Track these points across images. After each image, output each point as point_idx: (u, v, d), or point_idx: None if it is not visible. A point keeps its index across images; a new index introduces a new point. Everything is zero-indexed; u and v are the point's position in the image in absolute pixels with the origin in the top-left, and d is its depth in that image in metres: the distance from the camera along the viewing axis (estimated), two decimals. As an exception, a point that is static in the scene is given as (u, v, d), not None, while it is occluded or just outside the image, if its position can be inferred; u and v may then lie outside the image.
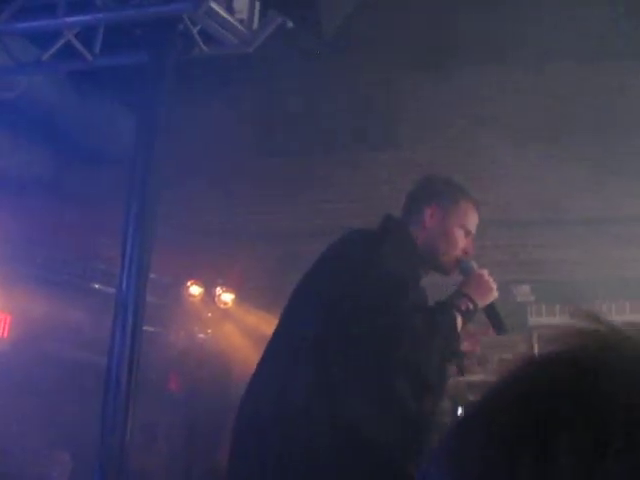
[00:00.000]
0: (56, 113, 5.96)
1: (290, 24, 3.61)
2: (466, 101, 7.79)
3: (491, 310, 2.52)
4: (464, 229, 2.55)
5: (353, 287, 2.27)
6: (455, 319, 2.35)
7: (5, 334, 6.04)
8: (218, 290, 6.76)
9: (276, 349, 2.37)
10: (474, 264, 2.55)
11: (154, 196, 3.46)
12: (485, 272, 2.52)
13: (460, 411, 6.87)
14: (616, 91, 7.54)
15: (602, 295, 7.01)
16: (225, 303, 6.79)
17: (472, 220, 2.59)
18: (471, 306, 2.40)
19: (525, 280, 7.17)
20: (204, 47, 3.84)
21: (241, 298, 6.79)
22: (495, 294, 2.51)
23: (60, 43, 3.89)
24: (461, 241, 2.54)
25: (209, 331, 6.96)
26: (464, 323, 2.40)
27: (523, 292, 7.14)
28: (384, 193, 6.74)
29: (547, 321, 7.10)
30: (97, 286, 6.10)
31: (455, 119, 7.75)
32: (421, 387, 2.27)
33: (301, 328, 2.32)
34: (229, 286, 6.81)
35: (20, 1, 3.77)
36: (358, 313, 2.23)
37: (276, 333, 2.41)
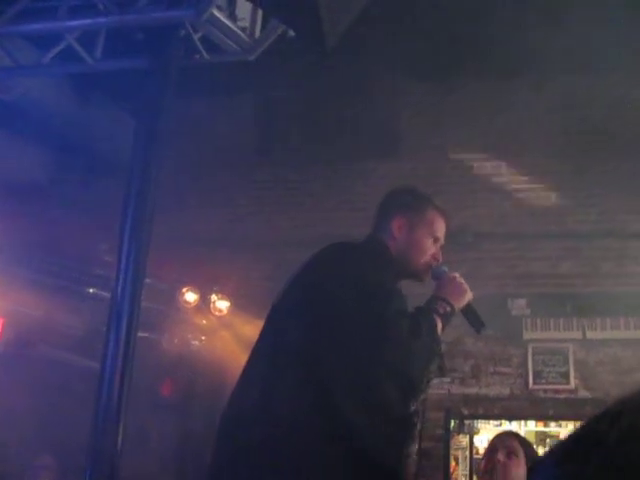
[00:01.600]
0: (55, 117, 5.96)
1: (292, 33, 3.62)
2: (466, 114, 7.81)
3: (468, 311, 2.61)
4: (432, 237, 2.66)
5: (337, 295, 2.33)
6: (436, 323, 2.45)
7: (-2, 337, 6.01)
8: (213, 297, 6.74)
9: (260, 355, 2.41)
10: (446, 268, 2.65)
11: (151, 202, 3.45)
12: (457, 275, 2.62)
13: (453, 424, 6.90)
14: (611, 104, 7.56)
15: (597, 310, 7.01)
16: (220, 310, 6.77)
17: (439, 228, 2.69)
18: (448, 309, 2.50)
19: (521, 294, 7.17)
20: (205, 54, 3.84)
21: (236, 306, 6.78)
22: (470, 295, 2.60)
23: (61, 46, 3.89)
24: (430, 248, 2.65)
25: (203, 338, 6.94)
26: (443, 325, 2.49)
27: (519, 306, 7.14)
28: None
29: (542, 335, 7.10)
30: (92, 291, 6.08)
31: (455, 132, 7.77)
32: (406, 390, 2.32)
33: (285, 334, 2.36)
34: (225, 293, 6.79)
35: (22, 3, 3.77)
36: (343, 320, 2.29)
37: (259, 340, 2.46)
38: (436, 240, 2.66)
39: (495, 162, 7.59)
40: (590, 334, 7.00)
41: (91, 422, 3.17)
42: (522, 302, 7.15)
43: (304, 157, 7.44)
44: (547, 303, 7.12)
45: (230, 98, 8.08)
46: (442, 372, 2.52)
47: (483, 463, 3.29)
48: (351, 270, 2.39)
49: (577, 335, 7.02)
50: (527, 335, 7.10)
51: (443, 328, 2.49)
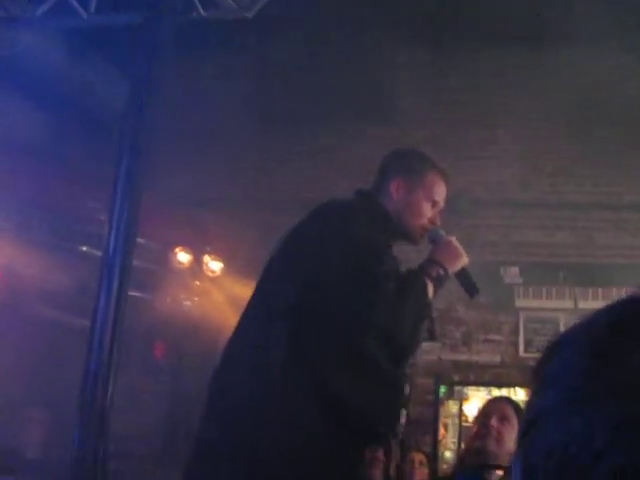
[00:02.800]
0: (49, 74, 5.89)
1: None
2: (464, 80, 7.75)
3: (462, 275, 2.60)
4: (431, 200, 2.61)
5: (328, 253, 2.32)
6: (426, 285, 2.43)
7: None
8: (206, 258, 6.72)
9: (251, 313, 2.42)
10: (442, 232, 2.62)
11: (144, 160, 3.42)
12: (453, 239, 2.59)
13: (443, 389, 6.94)
14: (609, 76, 7.52)
15: (590, 280, 7.04)
16: (213, 271, 6.76)
17: (439, 191, 2.64)
18: (442, 272, 2.48)
19: (514, 262, 7.18)
20: (202, 11, 3.79)
21: (229, 267, 6.77)
22: (465, 259, 2.58)
23: (55, -1, 3.84)
24: (427, 212, 2.61)
25: (196, 299, 6.94)
26: (436, 289, 2.47)
27: (511, 274, 7.16)
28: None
29: (534, 304, 7.12)
30: (85, 249, 6.06)
31: (453, 98, 7.72)
32: (395, 350, 2.32)
33: (275, 293, 2.36)
34: (217, 254, 6.78)
35: (15, -45, 3.70)
36: (333, 278, 2.28)
37: (252, 299, 2.45)
38: (435, 204, 2.62)
39: (491, 130, 7.55)
40: (582, 304, 7.02)
41: (82, 378, 3.17)
42: (515, 270, 7.16)
43: (299, 120, 7.38)
44: (540, 272, 7.13)
45: (226, 58, 8.00)
46: (432, 336, 2.51)
47: (475, 428, 3.25)
48: (342, 229, 2.37)
49: (569, 304, 7.04)
50: (519, 303, 7.12)
51: (435, 291, 2.47)
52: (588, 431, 0.53)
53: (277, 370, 2.24)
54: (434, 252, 2.55)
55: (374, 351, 2.26)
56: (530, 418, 0.60)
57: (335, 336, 2.25)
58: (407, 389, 2.40)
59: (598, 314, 0.62)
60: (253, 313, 2.41)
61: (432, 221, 2.61)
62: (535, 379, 0.63)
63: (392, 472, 2.54)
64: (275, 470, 2.19)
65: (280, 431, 2.21)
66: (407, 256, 2.63)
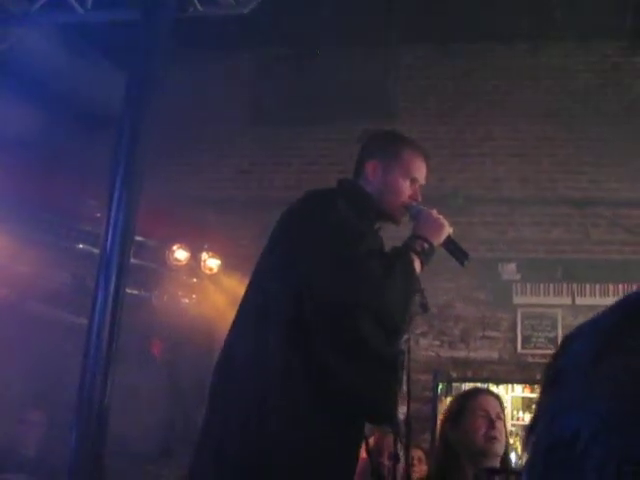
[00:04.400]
0: (45, 70, 5.87)
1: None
2: (461, 77, 7.75)
3: (450, 245, 2.59)
4: (408, 177, 2.61)
5: (310, 241, 2.34)
6: (412, 260, 2.43)
7: (-15, 292, 5.98)
8: (204, 255, 6.71)
9: (246, 308, 2.43)
10: (422, 207, 2.61)
11: (141, 158, 3.41)
12: (434, 211, 2.59)
13: (440, 386, 6.94)
14: (607, 72, 7.53)
15: (587, 276, 7.04)
16: (210, 269, 6.74)
17: (416, 168, 2.64)
18: (427, 246, 2.48)
19: (512, 258, 7.18)
20: (199, 6, 3.77)
21: (227, 264, 6.76)
22: (449, 229, 2.57)
23: (51, -6, 3.82)
24: (406, 190, 2.61)
25: (194, 296, 6.92)
26: (422, 263, 2.47)
27: (509, 270, 7.16)
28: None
29: (531, 300, 7.13)
30: (82, 246, 6.04)
31: (450, 94, 7.71)
32: (387, 328, 2.31)
33: (267, 286, 2.38)
34: (215, 252, 6.76)
35: (11, -49, 3.68)
36: (317, 266, 2.29)
37: (245, 294, 2.47)
38: (413, 181, 2.62)
39: (488, 126, 7.55)
40: (579, 300, 7.03)
41: (79, 377, 3.16)
42: (512, 267, 7.16)
43: (296, 118, 7.37)
44: (537, 268, 7.14)
45: (225, 53, 7.98)
46: (425, 308, 2.51)
47: (483, 426, 3.20)
48: (322, 215, 2.38)
49: (566, 301, 7.05)
50: (517, 300, 7.13)
51: (423, 266, 2.47)
52: (581, 428, 0.53)
53: (277, 363, 2.25)
54: (416, 228, 2.55)
55: (369, 332, 2.25)
56: (536, 415, 0.61)
57: (329, 322, 2.25)
58: (405, 364, 2.38)
59: (606, 309, 0.63)
60: (248, 308, 2.42)
61: (413, 198, 2.61)
62: (547, 374, 0.63)
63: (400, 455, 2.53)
64: (281, 460, 2.20)
65: (285, 422, 2.22)
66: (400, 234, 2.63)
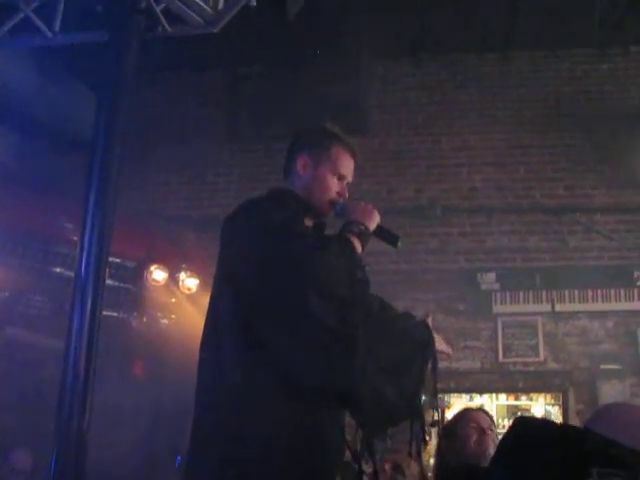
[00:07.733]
0: (17, 94, 5.84)
1: (254, 3, 3.56)
2: (434, 88, 7.80)
3: (381, 231, 2.59)
4: (336, 174, 2.62)
5: (241, 248, 2.35)
6: (351, 240, 2.42)
7: (-38, 318, 5.91)
8: (182, 275, 6.68)
9: (206, 326, 2.45)
10: (345, 203, 2.61)
11: (114, 178, 3.39)
12: (361, 202, 2.59)
13: (424, 398, 6.93)
14: (577, 80, 7.62)
15: (566, 283, 7.08)
16: (189, 289, 6.71)
17: (344, 164, 2.64)
18: (362, 227, 2.48)
19: (490, 268, 7.21)
20: (168, 27, 3.76)
21: (205, 284, 6.72)
22: (378, 217, 2.57)
23: (18, 18, 3.79)
24: (334, 186, 2.61)
25: (173, 316, 6.88)
26: (362, 244, 2.46)
27: (488, 280, 7.18)
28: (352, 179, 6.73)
29: (511, 309, 7.15)
30: (58, 270, 5.99)
31: (423, 106, 7.76)
32: (338, 306, 2.25)
33: (215, 303, 2.42)
34: (193, 271, 6.73)
35: (-23, -25, 3.66)
36: (253, 272, 2.29)
37: (207, 311, 2.48)
38: (341, 177, 2.63)
39: (463, 136, 7.60)
40: (559, 307, 7.06)
41: (57, 400, 3.12)
42: (492, 276, 7.19)
43: (272, 133, 7.37)
44: (516, 277, 7.17)
45: (198, 73, 7.99)
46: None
47: (474, 439, 3.29)
48: (249, 220, 2.38)
49: (546, 308, 7.08)
50: (497, 309, 7.15)
51: (363, 247, 2.46)
52: None
53: (236, 368, 2.26)
54: (348, 215, 2.54)
55: (320, 313, 2.20)
56: None
57: (275, 307, 2.24)
58: (363, 344, 2.28)
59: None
60: (206, 326, 2.45)
61: (340, 194, 2.62)
62: None
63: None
64: (251, 457, 2.20)
65: (250, 420, 2.22)
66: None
